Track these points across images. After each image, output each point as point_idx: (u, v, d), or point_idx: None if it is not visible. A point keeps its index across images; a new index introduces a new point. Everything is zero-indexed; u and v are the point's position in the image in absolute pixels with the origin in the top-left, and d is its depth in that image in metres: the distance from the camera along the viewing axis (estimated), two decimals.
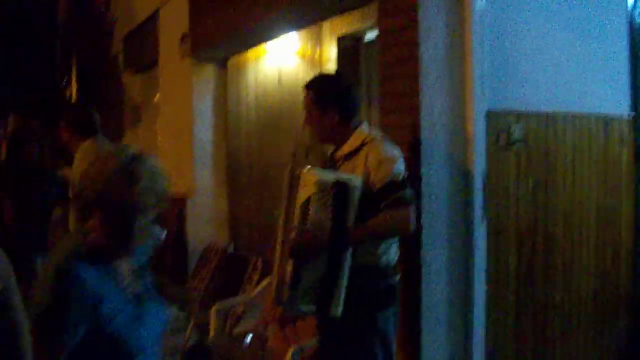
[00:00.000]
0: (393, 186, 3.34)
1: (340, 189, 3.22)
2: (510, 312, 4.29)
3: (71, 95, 13.76)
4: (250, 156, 7.55)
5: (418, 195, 3.88)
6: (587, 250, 4.55)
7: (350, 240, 3.28)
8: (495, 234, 4.18)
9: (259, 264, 6.03)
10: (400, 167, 3.41)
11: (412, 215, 3.37)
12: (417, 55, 3.90)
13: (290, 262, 3.30)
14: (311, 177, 3.24)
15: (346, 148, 3.52)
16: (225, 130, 7.74)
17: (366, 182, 3.36)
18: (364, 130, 3.56)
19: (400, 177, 3.39)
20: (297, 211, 3.27)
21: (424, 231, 3.92)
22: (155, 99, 9.44)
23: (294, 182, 3.36)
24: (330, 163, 3.61)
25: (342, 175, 3.31)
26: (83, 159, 4.85)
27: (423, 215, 3.91)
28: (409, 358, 4.02)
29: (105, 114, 11.86)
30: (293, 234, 3.28)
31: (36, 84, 13.29)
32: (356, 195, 3.25)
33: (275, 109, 7.43)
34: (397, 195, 3.33)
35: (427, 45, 3.93)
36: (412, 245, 3.90)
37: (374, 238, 3.40)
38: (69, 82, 13.90)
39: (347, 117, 3.55)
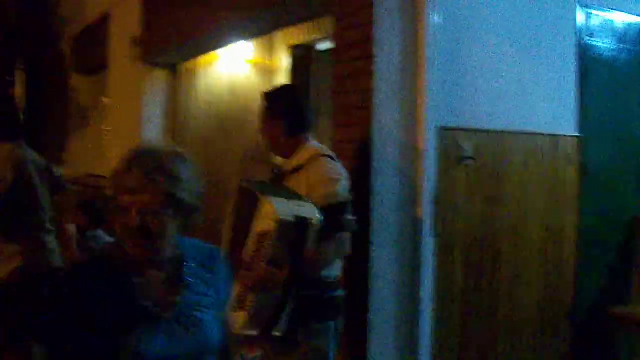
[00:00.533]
0: (332, 209, 3.32)
1: (301, 227, 3.15)
2: (456, 325, 4.34)
3: (14, 94, 13.49)
4: (198, 163, 7.49)
5: (368, 209, 3.91)
6: (532, 265, 4.64)
7: (303, 274, 3.26)
8: (443, 248, 4.24)
9: None
10: (341, 189, 3.37)
11: (349, 240, 3.40)
12: (371, 70, 3.93)
13: (238, 287, 3.23)
14: (271, 211, 3.11)
15: (294, 162, 3.50)
16: (174, 136, 7.69)
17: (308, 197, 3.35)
18: (314, 146, 3.55)
19: (341, 199, 3.36)
20: (253, 240, 3.18)
21: (372, 245, 3.94)
22: (104, 102, 9.33)
23: (250, 204, 3.26)
24: (278, 176, 3.60)
25: (303, 209, 3.20)
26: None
27: (372, 230, 3.94)
28: None
29: (51, 115, 11.75)
30: (245, 268, 3.19)
31: None
32: (316, 230, 3.20)
33: (225, 116, 7.43)
34: (336, 220, 3.31)
35: (381, 60, 3.95)
36: (360, 258, 3.93)
37: (321, 267, 3.40)
38: (13, 82, 13.63)
39: (295, 130, 3.53)
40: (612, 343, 4.88)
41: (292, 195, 3.26)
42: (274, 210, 3.07)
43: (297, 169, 3.48)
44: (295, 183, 3.44)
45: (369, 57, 3.95)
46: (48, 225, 4.82)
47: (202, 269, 2.25)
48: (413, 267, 4.09)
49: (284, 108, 3.55)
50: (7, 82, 13.70)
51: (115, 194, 2.10)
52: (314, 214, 3.15)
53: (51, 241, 4.81)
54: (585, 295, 4.93)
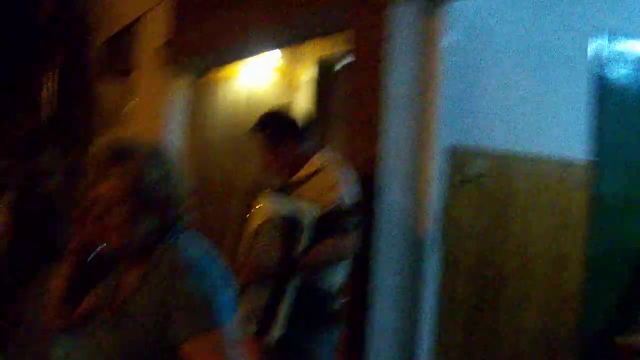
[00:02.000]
0: (338, 213, 3.39)
1: (291, 223, 3.24)
2: (457, 343, 4.35)
3: (47, 96, 13.69)
4: (220, 167, 7.57)
5: (371, 223, 3.95)
6: (536, 289, 4.63)
7: (295, 270, 3.32)
8: (447, 265, 4.25)
9: None
10: (347, 193, 3.46)
11: (352, 244, 3.44)
12: (381, 86, 3.98)
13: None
14: (263, 210, 3.25)
15: (302, 173, 3.58)
16: (197, 143, 7.76)
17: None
18: (322, 156, 3.62)
19: (347, 203, 3.43)
20: (246, 240, 3.29)
21: (375, 258, 3.97)
22: (129, 108, 9.44)
23: (247, 214, 3.38)
24: (286, 188, 3.66)
25: (295, 208, 3.30)
26: None
27: (377, 243, 3.97)
28: None
29: (79, 119, 11.89)
30: (239, 261, 3.29)
31: (11, 84, 13.21)
32: (307, 228, 3.28)
33: (249, 124, 7.46)
34: (341, 222, 3.38)
35: (393, 77, 4.00)
36: (362, 270, 3.96)
37: (317, 266, 3.44)
38: (45, 84, 13.83)
39: (304, 144, 3.62)
40: None
41: (290, 200, 3.36)
42: (265, 209, 3.17)
43: (303, 180, 3.54)
44: (301, 193, 3.50)
45: (380, 74, 4.00)
46: None
47: (161, 270, 2.06)
48: (415, 283, 4.11)
49: (289, 128, 3.62)
50: (35, 87, 13.91)
51: (86, 189, 2.11)
52: (307, 212, 3.24)
53: None
54: (591, 324, 4.89)
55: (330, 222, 3.35)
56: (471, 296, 4.37)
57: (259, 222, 3.25)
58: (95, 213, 2.08)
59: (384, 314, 4.03)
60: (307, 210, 3.29)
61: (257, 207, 3.28)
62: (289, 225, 3.24)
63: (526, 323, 4.61)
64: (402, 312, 4.10)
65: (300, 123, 3.67)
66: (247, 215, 3.39)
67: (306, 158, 3.60)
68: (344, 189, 3.45)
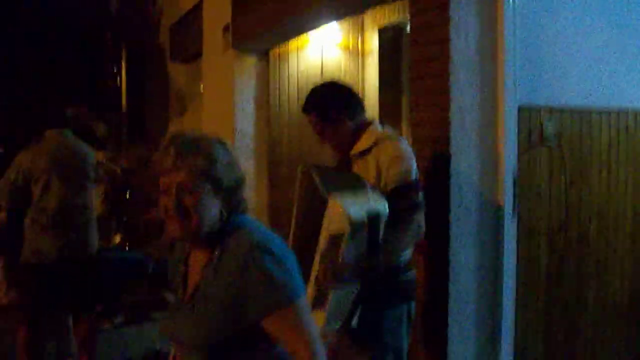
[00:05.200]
0: (405, 188, 3.32)
1: (373, 223, 3.17)
2: (540, 311, 4.24)
3: (120, 83, 13.95)
4: (290, 147, 7.57)
5: (447, 192, 3.87)
6: (621, 250, 4.48)
7: (379, 263, 3.26)
8: (526, 232, 4.14)
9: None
10: (412, 166, 3.38)
11: (423, 220, 3.36)
12: (447, 53, 3.86)
13: (314, 287, 3.24)
14: (343, 212, 3.09)
15: (360, 146, 3.50)
16: (266, 121, 7.78)
17: (378, 181, 3.36)
18: (377, 128, 3.54)
19: (412, 177, 3.37)
20: (325, 240, 3.18)
21: (452, 228, 3.89)
22: (199, 91, 9.52)
23: (316, 201, 3.28)
24: (345, 162, 3.61)
25: (372, 205, 3.20)
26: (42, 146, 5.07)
27: (452, 212, 3.89)
28: (435, 354, 4.01)
29: (151, 103, 12.08)
30: (324, 267, 3.20)
31: (85, 72, 13.49)
32: (384, 220, 3.21)
33: None
34: (412, 200, 3.31)
35: (458, 43, 3.88)
36: (440, 241, 3.89)
37: (398, 252, 3.39)
38: (118, 71, 14.08)
39: (358, 119, 3.55)
40: None
41: (356, 185, 3.27)
42: (346, 212, 3.09)
43: (363, 153, 3.48)
44: (363, 166, 3.45)
45: (445, 41, 3.89)
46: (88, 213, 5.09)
47: (228, 257, 2.19)
48: (495, 252, 4.02)
49: (341, 105, 3.54)
50: (114, 73, 14.19)
51: (156, 177, 2.19)
52: (383, 207, 3.17)
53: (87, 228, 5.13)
54: None
55: (401, 198, 3.29)
56: (553, 262, 4.25)
57: (342, 229, 3.11)
58: (163, 202, 2.18)
59: (464, 284, 3.96)
60: (383, 205, 3.19)
61: (333, 208, 3.17)
62: (372, 225, 3.16)
63: (612, 286, 4.47)
64: (482, 282, 4.01)
65: (348, 96, 3.59)
66: (314, 200, 3.29)
67: (360, 130, 3.53)
68: (408, 163, 3.38)
